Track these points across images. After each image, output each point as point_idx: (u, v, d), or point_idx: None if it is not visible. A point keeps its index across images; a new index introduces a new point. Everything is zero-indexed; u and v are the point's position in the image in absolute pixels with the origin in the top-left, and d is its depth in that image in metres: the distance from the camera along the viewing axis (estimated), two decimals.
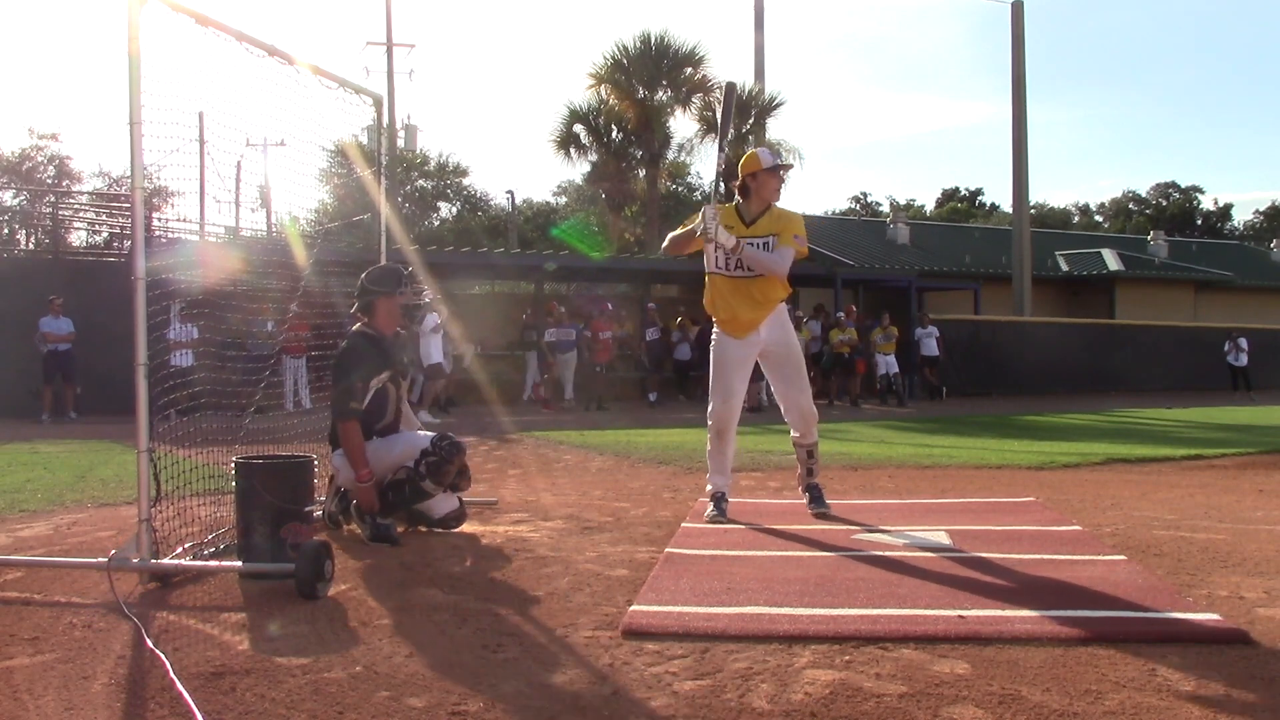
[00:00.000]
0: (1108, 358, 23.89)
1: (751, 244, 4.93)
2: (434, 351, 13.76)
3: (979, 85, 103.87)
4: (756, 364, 5.18)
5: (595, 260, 21.66)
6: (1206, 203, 64.88)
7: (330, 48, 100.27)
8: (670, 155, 26.30)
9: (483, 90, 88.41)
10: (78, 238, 24.76)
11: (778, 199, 5.09)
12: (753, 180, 5.01)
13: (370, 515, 4.47)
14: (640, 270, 21.52)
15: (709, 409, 5.15)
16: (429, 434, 4.72)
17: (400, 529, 4.64)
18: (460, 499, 4.85)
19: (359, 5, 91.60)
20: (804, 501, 5.24)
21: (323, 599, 3.45)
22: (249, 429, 5.02)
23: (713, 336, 5.18)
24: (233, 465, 3.95)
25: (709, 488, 5.15)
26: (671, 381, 18.44)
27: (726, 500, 5.08)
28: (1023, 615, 3.14)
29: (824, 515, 5.05)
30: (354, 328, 4.81)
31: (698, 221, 4.87)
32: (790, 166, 4.93)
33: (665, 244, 5.26)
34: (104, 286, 13.22)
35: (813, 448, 5.26)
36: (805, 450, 5.26)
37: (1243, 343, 21.75)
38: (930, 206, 62.47)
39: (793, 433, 5.26)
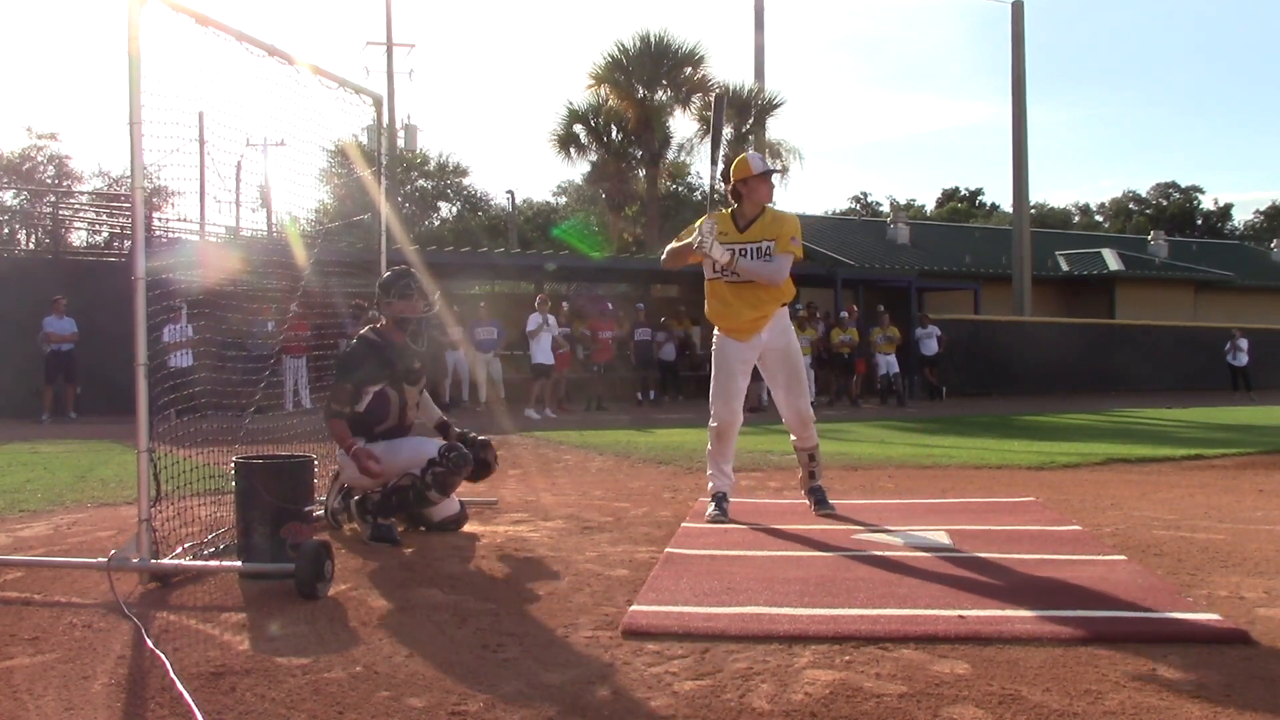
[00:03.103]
0: (1108, 358, 23.88)
1: (744, 252, 4.91)
2: (537, 351, 14.24)
3: (979, 85, 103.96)
4: (755, 365, 5.18)
5: (595, 260, 21.64)
6: (1206, 203, 64.99)
7: (330, 48, 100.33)
8: (670, 155, 26.27)
9: (483, 90, 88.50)
10: (78, 238, 24.80)
11: (770, 202, 5.09)
12: (744, 186, 5.00)
13: (371, 515, 4.47)
14: (640, 270, 21.47)
15: (712, 411, 5.14)
16: (438, 442, 4.68)
17: (400, 529, 4.64)
18: (461, 501, 4.85)
19: (359, 5, 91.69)
20: (807, 503, 5.24)
21: (323, 599, 3.45)
22: (249, 429, 5.03)
23: (714, 340, 5.18)
24: (233, 465, 3.95)
25: (710, 486, 5.15)
26: (656, 381, 18.33)
27: (728, 500, 5.08)
28: (1023, 615, 3.14)
29: (829, 515, 5.05)
30: (363, 330, 4.83)
31: (694, 235, 4.89)
32: (782, 171, 4.86)
33: (663, 257, 5.26)
34: (104, 286, 13.21)
35: (813, 450, 5.25)
36: (806, 454, 5.26)
37: (1243, 343, 21.76)
38: (930, 206, 62.51)
39: (791, 436, 5.26)
